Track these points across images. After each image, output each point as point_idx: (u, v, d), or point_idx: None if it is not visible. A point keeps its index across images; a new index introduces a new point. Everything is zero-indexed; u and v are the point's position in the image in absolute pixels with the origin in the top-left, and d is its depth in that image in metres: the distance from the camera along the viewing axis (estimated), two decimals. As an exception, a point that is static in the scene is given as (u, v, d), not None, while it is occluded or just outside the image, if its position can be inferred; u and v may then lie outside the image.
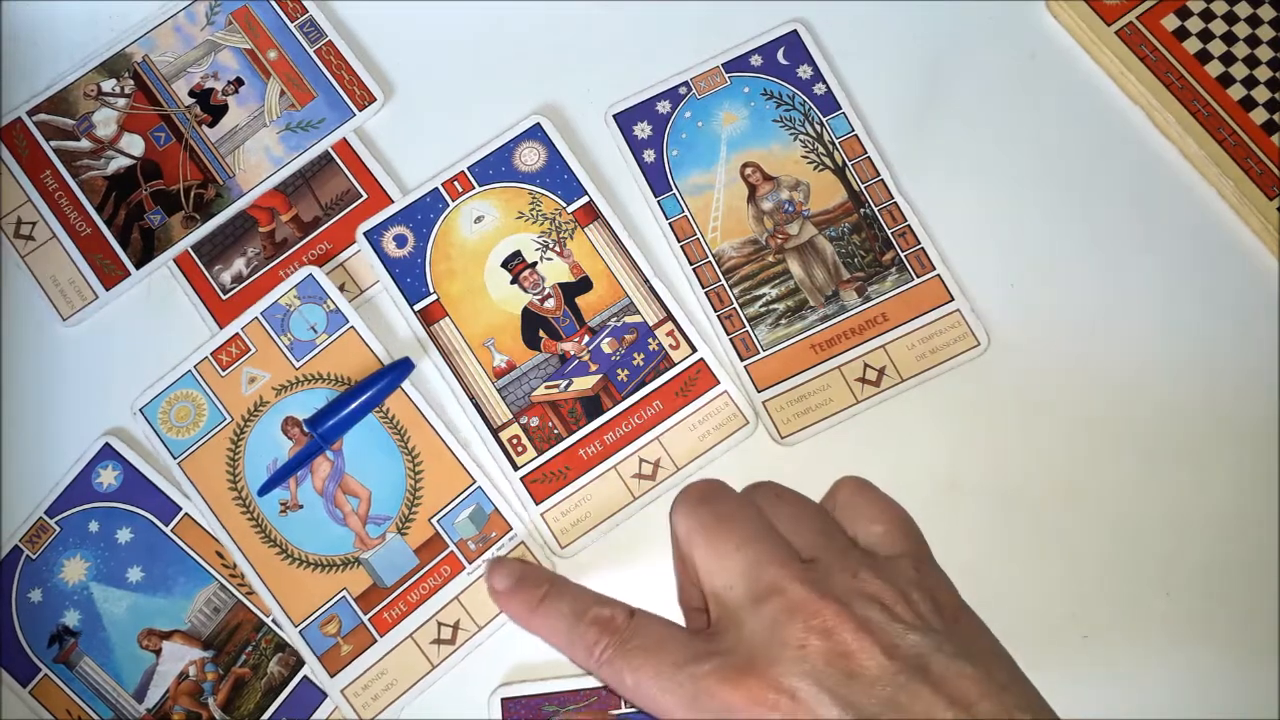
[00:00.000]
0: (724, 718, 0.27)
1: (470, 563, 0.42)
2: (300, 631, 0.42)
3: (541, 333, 0.44)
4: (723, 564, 0.29)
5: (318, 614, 0.42)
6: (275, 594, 0.42)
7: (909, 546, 0.31)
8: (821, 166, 0.46)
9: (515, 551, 0.42)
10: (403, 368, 0.43)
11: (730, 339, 0.44)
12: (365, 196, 0.46)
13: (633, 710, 0.39)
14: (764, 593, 0.28)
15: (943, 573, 0.31)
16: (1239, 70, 0.46)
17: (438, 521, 0.43)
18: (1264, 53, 0.46)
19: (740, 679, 0.27)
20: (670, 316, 0.44)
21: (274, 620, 0.42)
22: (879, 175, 0.45)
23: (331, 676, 0.41)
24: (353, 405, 0.42)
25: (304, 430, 0.43)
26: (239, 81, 0.47)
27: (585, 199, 0.45)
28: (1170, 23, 0.46)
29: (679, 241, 0.45)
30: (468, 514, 0.43)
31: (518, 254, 0.45)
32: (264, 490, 0.43)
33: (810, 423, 0.43)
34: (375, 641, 0.42)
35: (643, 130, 0.46)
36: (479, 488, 0.43)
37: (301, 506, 0.43)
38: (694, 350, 0.44)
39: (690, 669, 0.28)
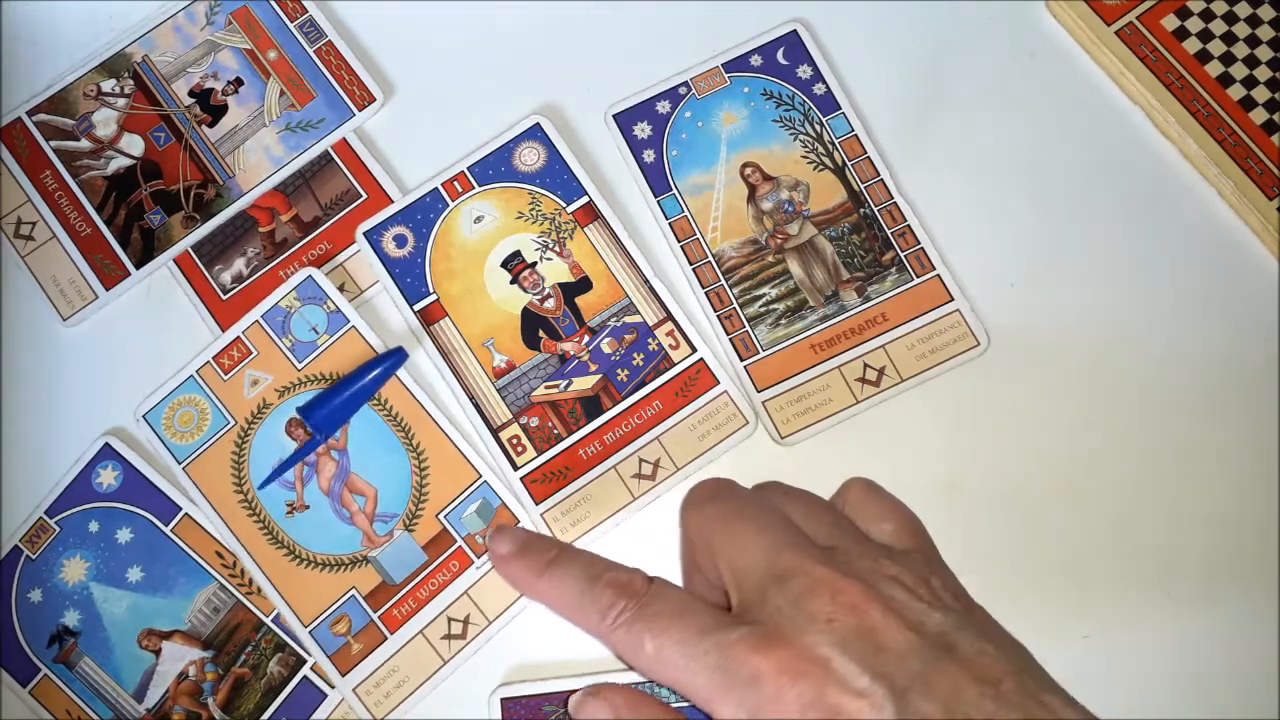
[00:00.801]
0: (752, 686, 0.26)
1: (479, 557, 0.42)
2: (310, 631, 0.42)
3: (541, 333, 0.44)
4: (741, 551, 0.29)
5: (327, 613, 0.42)
6: (284, 595, 0.42)
7: (919, 544, 0.31)
8: (821, 166, 0.46)
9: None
10: (396, 357, 0.43)
11: (730, 339, 0.44)
12: (365, 196, 0.46)
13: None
14: (787, 573, 0.28)
15: (951, 570, 0.31)
16: (1239, 70, 0.46)
17: (445, 517, 0.43)
18: (1264, 53, 0.46)
19: (769, 647, 0.26)
20: (670, 316, 0.44)
21: (276, 620, 0.42)
22: (879, 175, 0.45)
23: (343, 676, 0.41)
24: (345, 394, 0.42)
25: (307, 430, 0.43)
26: (239, 81, 0.47)
27: (585, 199, 0.45)
28: (1170, 23, 0.46)
29: (679, 241, 0.45)
30: (474, 508, 0.43)
31: (517, 254, 0.45)
32: (264, 484, 0.43)
33: (810, 423, 0.43)
34: (386, 639, 0.42)
35: (643, 130, 0.46)
36: (485, 482, 0.43)
37: (308, 507, 0.43)
38: (694, 350, 0.44)
39: (716, 636, 0.27)
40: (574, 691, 0.40)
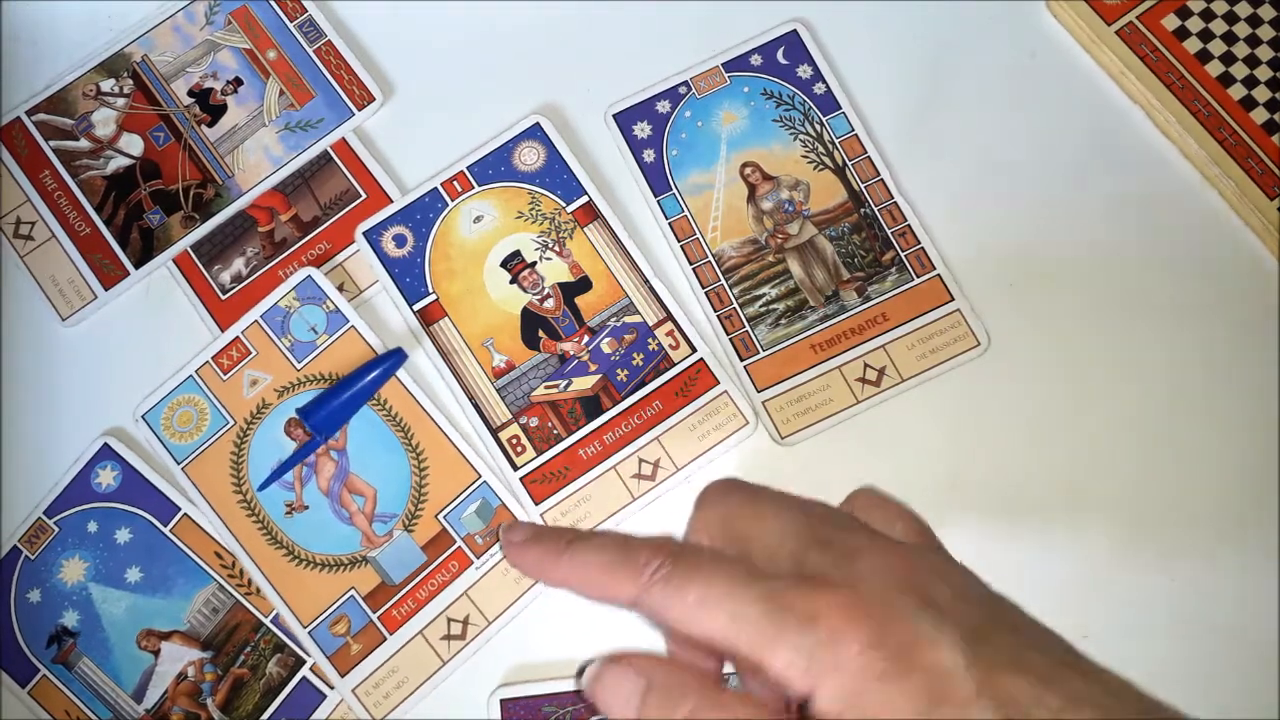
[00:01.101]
0: (807, 630, 0.24)
1: (478, 557, 0.42)
2: (309, 632, 0.42)
3: (541, 333, 0.44)
4: (774, 531, 0.28)
5: (326, 614, 0.42)
6: (283, 595, 0.42)
7: (930, 542, 0.31)
8: (821, 166, 0.46)
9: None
10: (395, 358, 0.43)
11: (730, 339, 0.44)
12: (364, 196, 0.46)
13: None
14: (826, 540, 0.27)
15: None
16: (1239, 70, 0.46)
17: (444, 517, 0.43)
18: (1264, 53, 0.46)
19: (823, 590, 0.25)
20: (670, 316, 0.44)
21: (275, 621, 0.42)
22: (879, 175, 0.45)
23: (342, 676, 0.41)
24: (345, 395, 0.42)
25: (306, 431, 0.43)
26: (238, 81, 0.47)
27: (585, 199, 0.45)
28: (1170, 22, 0.46)
29: (679, 241, 0.45)
30: (474, 508, 0.43)
31: (517, 254, 0.45)
32: (263, 485, 0.43)
33: (810, 423, 0.43)
34: (385, 640, 0.42)
35: (642, 130, 0.46)
36: (484, 482, 0.43)
37: (307, 507, 0.43)
38: (694, 350, 0.44)
39: (765, 583, 0.26)
40: (574, 692, 0.40)
